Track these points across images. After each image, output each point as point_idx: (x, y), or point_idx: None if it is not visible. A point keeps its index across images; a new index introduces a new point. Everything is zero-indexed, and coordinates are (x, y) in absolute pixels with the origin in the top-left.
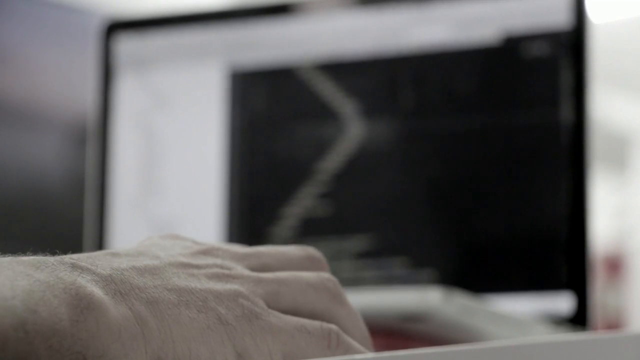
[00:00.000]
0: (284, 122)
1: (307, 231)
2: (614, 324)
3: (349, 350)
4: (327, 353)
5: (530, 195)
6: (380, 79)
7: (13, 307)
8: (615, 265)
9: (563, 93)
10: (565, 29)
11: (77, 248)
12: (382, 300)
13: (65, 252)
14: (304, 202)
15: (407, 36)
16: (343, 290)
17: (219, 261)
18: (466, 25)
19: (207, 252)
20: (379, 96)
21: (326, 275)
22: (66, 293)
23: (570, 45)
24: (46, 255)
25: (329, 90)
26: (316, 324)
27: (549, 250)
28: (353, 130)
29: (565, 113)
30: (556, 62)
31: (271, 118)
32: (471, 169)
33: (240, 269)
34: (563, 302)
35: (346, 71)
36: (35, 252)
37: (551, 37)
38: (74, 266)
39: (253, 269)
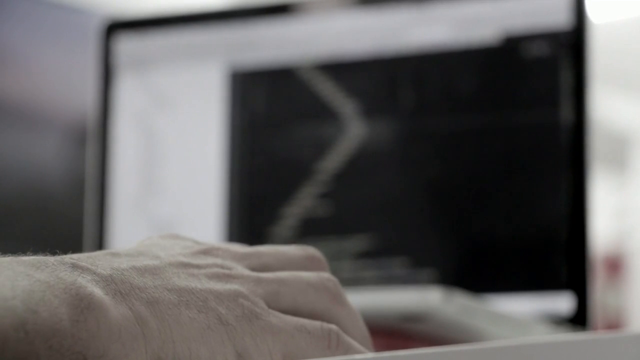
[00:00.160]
0: (284, 122)
1: (307, 231)
2: (614, 324)
3: (349, 350)
4: (327, 353)
5: (530, 195)
6: (380, 79)
7: (13, 307)
8: (615, 265)
9: (563, 93)
10: (565, 29)
11: (77, 248)
12: (382, 300)
13: (65, 252)
14: (304, 202)
15: (407, 36)
16: (343, 290)
17: (219, 261)
18: (466, 25)
19: (207, 252)
20: (379, 96)
21: (326, 275)
22: (66, 293)
23: (570, 45)
24: (46, 255)
25: (329, 90)
26: (316, 324)
27: (549, 250)
28: (353, 130)
29: (565, 113)
30: (556, 62)
31: (271, 118)
32: (471, 169)
33: (240, 269)
34: (563, 302)
35: (346, 71)
36: (35, 252)
37: (551, 37)
38: (74, 266)
39: (253, 269)
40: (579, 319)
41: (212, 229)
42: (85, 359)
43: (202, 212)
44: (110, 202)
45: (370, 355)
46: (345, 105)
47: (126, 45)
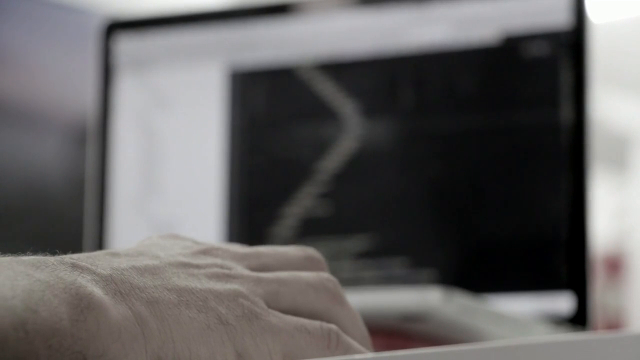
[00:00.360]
0: (284, 122)
1: (307, 231)
2: (614, 324)
3: (348, 350)
4: (327, 353)
5: (530, 195)
6: (380, 79)
7: (13, 307)
8: (615, 265)
9: (563, 93)
10: (565, 29)
11: (77, 248)
12: (382, 300)
13: (65, 252)
14: (304, 202)
15: (407, 36)
16: (343, 291)
17: (218, 261)
18: (466, 25)
19: (207, 252)
20: (379, 96)
21: (326, 275)
22: (66, 293)
23: (570, 45)
24: (46, 255)
25: (329, 90)
26: (316, 324)
27: (549, 250)
28: (353, 130)
29: (565, 113)
30: (556, 62)
31: (271, 118)
32: (471, 169)
33: (240, 269)
34: (563, 302)
35: (346, 71)
36: (35, 252)
37: (551, 37)
38: (74, 266)
39: (253, 269)
40: (579, 319)
41: (212, 229)
42: (85, 358)
43: (202, 212)
44: (110, 202)
45: (370, 355)
46: (345, 105)
47: (126, 45)
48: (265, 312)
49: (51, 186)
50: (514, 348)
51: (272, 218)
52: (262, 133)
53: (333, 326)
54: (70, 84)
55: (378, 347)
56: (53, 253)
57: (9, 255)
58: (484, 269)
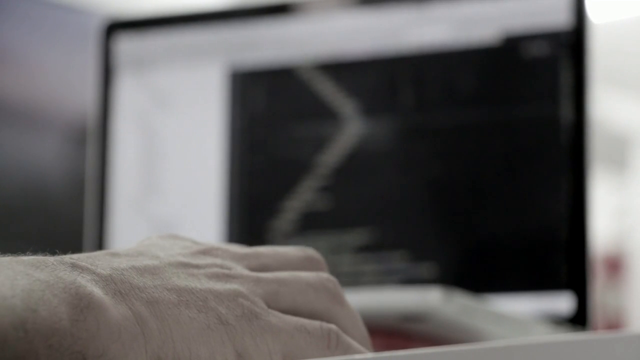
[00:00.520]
0: (284, 122)
1: (307, 225)
2: (614, 324)
3: (348, 350)
4: (326, 353)
5: (530, 195)
6: (380, 79)
7: (13, 306)
8: (615, 265)
9: (563, 93)
10: (565, 29)
11: (77, 248)
12: (382, 300)
13: (65, 252)
14: (304, 196)
15: (407, 36)
16: (342, 291)
17: (218, 261)
18: (466, 25)
19: (206, 252)
20: (379, 96)
21: (325, 275)
22: (66, 292)
23: (570, 45)
24: (46, 255)
25: (329, 90)
26: (316, 324)
27: (549, 250)
28: (353, 130)
29: (566, 113)
30: (556, 62)
31: (271, 118)
32: (471, 169)
33: (240, 269)
34: (563, 302)
35: (346, 71)
36: (35, 252)
37: (551, 37)
38: (74, 266)
39: (252, 269)
40: (579, 319)
41: (212, 229)
42: (84, 358)
43: (202, 212)
44: (110, 202)
45: (370, 355)
46: (345, 105)
47: (126, 45)
48: (265, 312)
49: (51, 186)
50: (514, 348)
51: (272, 212)
52: (262, 133)
53: (333, 326)
54: (70, 84)
55: (378, 347)
56: (53, 253)
57: (8, 255)
58: (484, 268)
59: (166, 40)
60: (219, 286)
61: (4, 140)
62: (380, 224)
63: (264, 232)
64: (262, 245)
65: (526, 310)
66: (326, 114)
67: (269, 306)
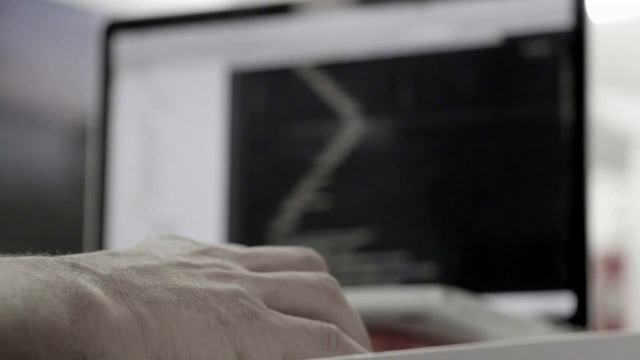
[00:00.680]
0: (284, 122)
1: (307, 225)
2: (614, 324)
3: (348, 350)
4: (326, 353)
5: (531, 195)
6: (380, 79)
7: (13, 306)
8: (615, 265)
9: (563, 93)
10: (565, 29)
11: (77, 248)
12: (381, 300)
13: (65, 252)
14: (304, 196)
15: (407, 36)
16: (342, 291)
17: (218, 261)
18: (466, 25)
19: (206, 252)
20: (379, 96)
21: (325, 275)
22: (66, 292)
23: (570, 45)
24: (46, 255)
25: (329, 90)
26: (316, 323)
27: (549, 250)
28: (353, 130)
29: (566, 113)
30: (556, 62)
31: (271, 118)
32: (471, 170)
33: (239, 269)
34: (563, 302)
35: (346, 71)
36: (35, 252)
37: (551, 37)
38: (74, 266)
39: (252, 270)
40: (579, 319)
41: (212, 229)
42: (84, 358)
43: (202, 212)
44: (110, 202)
45: (370, 355)
46: (345, 105)
47: (126, 45)
48: (265, 312)
49: (51, 186)
50: (514, 348)
51: (272, 212)
52: (262, 133)
53: (333, 326)
54: (70, 84)
55: (378, 347)
56: (53, 253)
57: (8, 255)
58: (484, 268)
59: (166, 40)
60: (219, 286)
61: (4, 140)
62: (380, 224)
63: (264, 232)
64: (262, 246)
65: (526, 310)
66: (326, 114)
67: (269, 306)
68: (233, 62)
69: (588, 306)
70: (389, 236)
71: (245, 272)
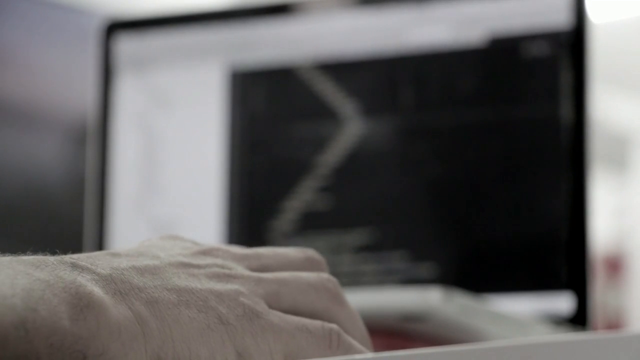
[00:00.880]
0: (284, 122)
1: (307, 225)
2: (614, 324)
3: (349, 350)
4: (328, 353)
5: (531, 195)
6: (380, 79)
7: (13, 306)
8: (615, 265)
9: (563, 93)
10: (565, 29)
11: (77, 248)
12: (382, 300)
13: (65, 252)
14: (304, 196)
15: (407, 36)
16: (343, 291)
17: (219, 261)
18: (466, 26)
19: (207, 252)
20: (379, 96)
21: (326, 275)
22: (66, 292)
23: (570, 45)
24: (46, 255)
25: (329, 90)
26: (317, 323)
27: (549, 251)
28: (353, 130)
29: (566, 113)
30: (556, 62)
31: (271, 118)
32: (471, 170)
33: (240, 269)
34: (563, 302)
35: (346, 71)
36: (35, 252)
37: (551, 37)
38: (74, 265)
39: (253, 270)
40: (579, 319)
41: (212, 229)
42: (85, 357)
43: (202, 212)
44: (110, 202)
45: (370, 355)
46: (345, 105)
47: (126, 45)
48: (266, 312)
49: (51, 186)
50: (514, 348)
51: (272, 212)
52: (262, 133)
53: (334, 326)
54: (70, 84)
55: (378, 347)
56: (53, 253)
57: (9, 255)
58: (484, 268)
59: (166, 40)
60: (220, 286)
61: (4, 140)
62: (380, 224)
63: (264, 232)
64: (262, 246)
65: (526, 310)
66: (326, 114)
67: (270, 306)
68: (233, 62)
69: (588, 306)
70: (389, 236)
71: (246, 272)
